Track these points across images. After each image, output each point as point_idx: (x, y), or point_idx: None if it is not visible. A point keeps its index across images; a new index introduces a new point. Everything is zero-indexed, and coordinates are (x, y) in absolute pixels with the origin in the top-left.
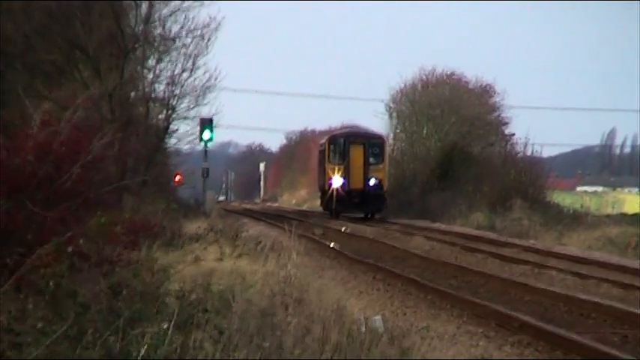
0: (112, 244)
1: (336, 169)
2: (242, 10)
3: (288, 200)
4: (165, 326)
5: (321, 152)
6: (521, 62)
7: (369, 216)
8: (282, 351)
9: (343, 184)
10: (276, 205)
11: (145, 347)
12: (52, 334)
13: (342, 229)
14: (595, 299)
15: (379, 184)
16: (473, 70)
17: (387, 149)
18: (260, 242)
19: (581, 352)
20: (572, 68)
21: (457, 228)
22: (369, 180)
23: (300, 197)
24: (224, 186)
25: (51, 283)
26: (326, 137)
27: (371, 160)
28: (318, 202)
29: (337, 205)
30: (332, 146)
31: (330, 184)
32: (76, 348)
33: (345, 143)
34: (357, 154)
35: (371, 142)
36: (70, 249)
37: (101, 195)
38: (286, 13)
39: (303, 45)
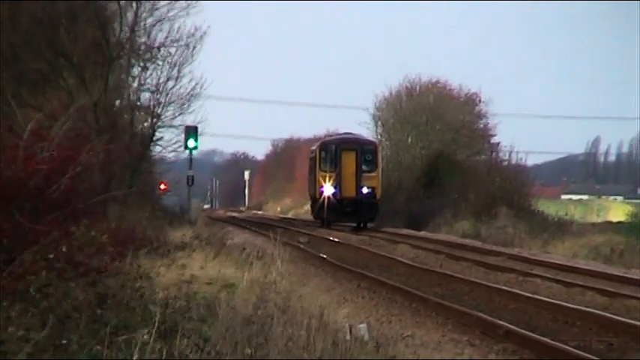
0: (99, 254)
1: (328, 176)
2: (227, 18)
3: (273, 208)
4: (146, 336)
5: (312, 159)
6: (506, 70)
7: (361, 225)
8: (267, 358)
9: (335, 193)
10: (260, 213)
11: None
12: (39, 342)
13: (331, 239)
14: (580, 307)
15: (372, 193)
16: (458, 78)
17: (380, 156)
18: (245, 249)
19: (564, 357)
20: (556, 76)
21: (442, 236)
22: (361, 188)
23: (286, 205)
24: (209, 194)
25: (31, 290)
26: (317, 143)
27: (364, 167)
28: (303, 210)
29: (329, 214)
30: (323, 153)
31: (322, 193)
32: (62, 357)
33: (337, 150)
34: (349, 161)
35: (364, 149)
36: (54, 258)
37: (88, 205)
38: (272, 21)
39: (288, 53)
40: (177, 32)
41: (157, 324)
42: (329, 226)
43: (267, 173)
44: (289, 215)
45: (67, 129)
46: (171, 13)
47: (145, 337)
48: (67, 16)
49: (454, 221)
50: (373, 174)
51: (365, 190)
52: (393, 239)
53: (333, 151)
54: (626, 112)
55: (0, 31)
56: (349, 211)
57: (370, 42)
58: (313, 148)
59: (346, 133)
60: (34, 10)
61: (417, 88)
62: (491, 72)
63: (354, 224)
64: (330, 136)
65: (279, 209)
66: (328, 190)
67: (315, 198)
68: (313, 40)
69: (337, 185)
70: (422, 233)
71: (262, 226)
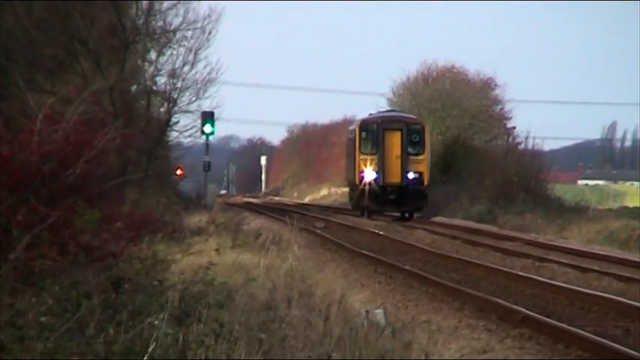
0: (115, 238)
1: (369, 160)
2: (242, 3)
3: (290, 193)
4: (157, 321)
5: (351, 140)
6: (521, 57)
7: (406, 215)
8: (284, 344)
9: (377, 179)
10: (277, 198)
11: (153, 345)
12: (57, 327)
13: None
14: (596, 292)
15: (420, 178)
16: (474, 63)
17: (428, 137)
18: (260, 235)
19: (582, 346)
20: (572, 62)
21: (458, 221)
22: (407, 173)
23: (302, 191)
24: (225, 179)
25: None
26: (356, 123)
27: (410, 149)
28: (320, 195)
29: (370, 202)
30: (364, 133)
31: (362, 178)
32: (80, 342)
33: (379, 129)
34: (393, 142)
35: (410, 129)
36: (67, 242)
37: (104, 189)
38: (287, 6)
39: (304, 38)
40: (193, 15)
41: (172, 309)
42: (369, 217)
43: (284, 159)
44: (306, 200)
45: (81, 113)
46: None
47: (161, 322)
48: (83, 0)
49: (470, 207)
50: (421, 157)
51: (411, 175)
52: (410, 224)
53: (375, 131)
54: None
55: (14, 17)
56: (393, 200)
57: (388, 29)
58: (352, 127)
59: (389, 110)
60: None
61: (434, 74)
62: (507, 57)
63: (400, 214)
64: (371, 115)
65: (295, 194)
66: (369, 175)
67: (354, 185)
68: (331, 26)
69: (380, 170)
70: (437, 218)
71: (279, 211)
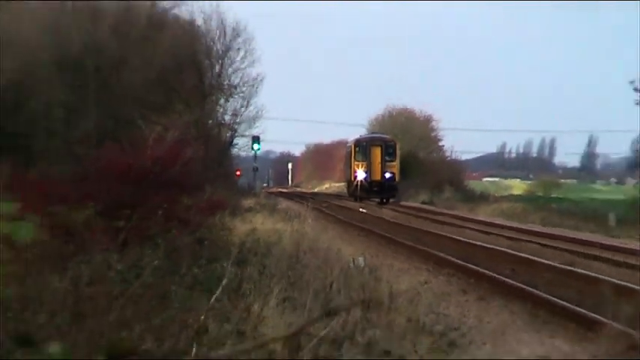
0: (199, 214)
1: (360, 165)
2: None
3: (306, 186)
4: (225, 264)
5: (348, 152)
6: (449, 97)
7: (384, 201)
8: (302, 279)
9: (366, 177)
10: (298, 189)
11: (225, 280)
12: (163, 268)
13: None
14: (494, 247)
15: (393, 177)
16: (420, 101)
17: (398, 150)
18: (287, 213)
19: (486, 280)
20: (482, 103)
21: (411, 204)
22: (385, 173)
23: (313, 184)
24: (267, 177)
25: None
26: (352, 141)
27: (386, 158)
28: (324, 187)
29: (361, 192)
30: (357, 148)
31: (356, 177)
32: (176, 277)
33: (367, 145)
34: (376, 153)
35: (387, 145)
36: (165, 214)
37: (191, 184)
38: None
39: (314, 86)
40: (247, 77)
41: (234, 257)
42: (360, 201)
43: (302, 165)
44: (315, 190)
45: (176, 136)
46: (242, 65)
47: (228, 265)
48: (176, 68)
49: (418, 195)
50: (393, 163)
51: (387, 175)
52: (383, 206)
53: (365, 146)
54: (524, 125)
55: (134, 74)
56: (376, 190)
57: (368, 76)
58: (349, 144)
59: (374, 133)
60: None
61: (394, 113)
62: (440, 97)
63: (379, 200)
64: (362, 136)
65: (309, 187)
66: (361, 175)
67: (350, 181)
68: (331, 71)
69: (367, 171)
70: (401, 203)
71: (299, 197)
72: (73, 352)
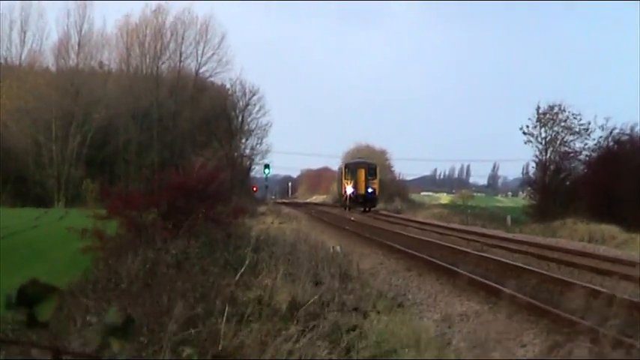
0: (229, 216)
1: (349, 182)
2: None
3: (302, 198)
4: (246, 251)
5: (340, 173)
6: (398, 131)
7: (367, 209)
8: (299, 261)
9: (353, 192)
10: (296, 200)
11: (247, 262)
12: (203, 254)
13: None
14: (429, 239)
15: (374, 192)
16: (378, 139)
17: (379, 171)
18: (289, 216)
19: (423, 262)
20: (418, 134)
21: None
22: (368, 188)
23: (307, 197)
24: (275, 192)
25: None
26: (343, 164)
27: (369, 177)
28: (313, 198)
29: (350, 203)
30: (346, 169)
31: (345, 191)
32: (212, 260)
33: (354, 168)
34: (361, 173)
35: (369, 167)
36: (206, 217)
37: (223, 196)
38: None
39: (306, 118)
40: (260, 124)
41: (252, 246)
42: (349, 210)
43: (299, 183)
44: (308, 201)
45: (214, 164)
46: (257, 115)
47: (248, 251)
48: (214, 118)
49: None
50: (375, 181)
51: (370, 190)
52: (363, 214)
53: (352, 168)
54: (450, 155)
55: (186, 123)
56: (361, 201)
57: (338, 118)
58: (340, 166)
59: (359, 159)
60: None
61: (362, 147)
62: (390, 131)
63: (363, 209)
64: (351, 160)
65: (304, 198)
66: (349, 190)
67: (341, 194)
68: (316, 111)
69: (354, 187)
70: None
71: (296, 205)
72: (144, 313)
